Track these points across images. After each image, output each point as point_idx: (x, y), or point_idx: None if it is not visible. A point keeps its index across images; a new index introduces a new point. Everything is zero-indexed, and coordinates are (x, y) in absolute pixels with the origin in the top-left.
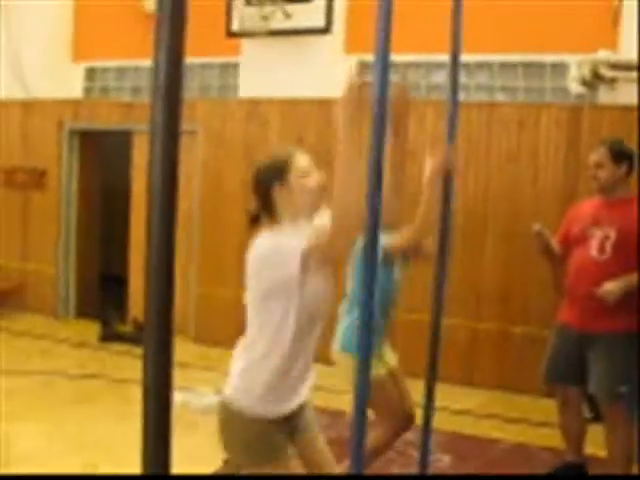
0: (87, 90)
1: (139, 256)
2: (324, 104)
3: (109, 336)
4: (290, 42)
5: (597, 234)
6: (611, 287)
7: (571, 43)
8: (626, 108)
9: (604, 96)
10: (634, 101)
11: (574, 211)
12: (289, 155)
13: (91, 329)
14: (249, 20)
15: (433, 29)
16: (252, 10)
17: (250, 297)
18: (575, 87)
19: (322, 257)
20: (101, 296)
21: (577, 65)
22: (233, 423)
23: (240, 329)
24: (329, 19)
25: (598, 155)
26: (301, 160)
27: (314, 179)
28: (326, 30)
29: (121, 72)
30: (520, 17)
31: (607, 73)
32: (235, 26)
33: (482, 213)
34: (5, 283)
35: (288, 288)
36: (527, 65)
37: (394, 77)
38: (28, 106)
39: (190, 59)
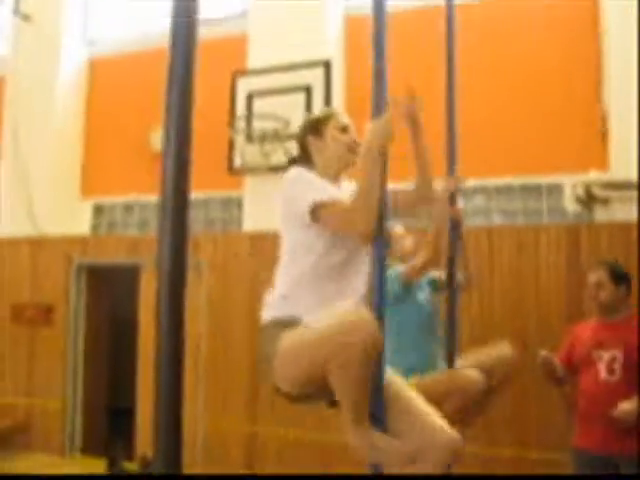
0: (95, 226)
1: (147, 389)
2: None
3: (115, 476)
4: None
5: (604, 356)
6: (628, 407)
7: (564, 164)
8: (623, 226)
9: (600, 215)
10: (630, 219)
11: (575, 332)
12: (330, 111)
13: (97, 467)
14: (250, 157)
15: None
16: (253, 147)
17: (280, 221)
18: (571, 207)
19: (328, 220)
20: (108, 430)
21: (571, 186)
22: (286, 335)
23: (248, 462)
24: None
25: (597, 276)
26: (342, 117)
27: (349, 136)
28: None
29: (128, 208)
30: (513, 141)
31: (600, 193)
32: (237, 163)
33: (487, 336)
34: (10, 420)
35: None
36: (523, 187)
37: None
38: (37, 243)
39: (194, 194)
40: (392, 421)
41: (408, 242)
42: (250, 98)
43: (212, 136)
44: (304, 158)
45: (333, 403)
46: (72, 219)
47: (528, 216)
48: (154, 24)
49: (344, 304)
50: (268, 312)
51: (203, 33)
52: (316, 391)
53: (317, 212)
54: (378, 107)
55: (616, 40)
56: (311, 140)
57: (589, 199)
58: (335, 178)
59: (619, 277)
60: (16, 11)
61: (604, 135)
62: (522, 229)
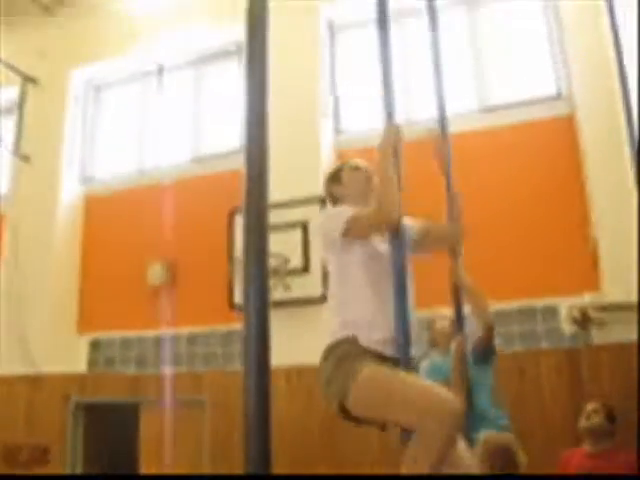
0: (92, 362)
1: None
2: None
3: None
4: (288, 312)
5: None
6: None
7: (559, 287)
8: (621, 347)
9: (598, 336)
10: (627, 339)
11: (564, 461)
12: (342, 162)
13: None
14: None
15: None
16: None
17: (323, 253)
18: (569, 329)
19: (361, 226)
20: None
21: (567, 308)
22: (353, 355)
23: None
24: (326, 288)
25: (593, 405)
26: (352, 161)
27: (362, 172)
28: (323, 299)
29: (126, 344)
30: (508, 266)
31: (596, 315)
32: (237, 298)
33: None
34: None
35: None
36: (520, 311)
37: None
38: (33, 381)
39: (195, 329)
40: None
41: (447, 323)
42: None
43: (213, 271)
44: (335, 191)
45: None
46: (69, 355)
47: (525, 340)
48: (149, 161)
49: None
50: (332, 328)
51: (201, 169)
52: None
53: (348, 226)
54: (389, 115)
55: (598, 167)
56: (334, 188)
57: (585, 321)
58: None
59: (612, 415)
60: (15, 152)
61: (595, 259)
62: (521, 354)
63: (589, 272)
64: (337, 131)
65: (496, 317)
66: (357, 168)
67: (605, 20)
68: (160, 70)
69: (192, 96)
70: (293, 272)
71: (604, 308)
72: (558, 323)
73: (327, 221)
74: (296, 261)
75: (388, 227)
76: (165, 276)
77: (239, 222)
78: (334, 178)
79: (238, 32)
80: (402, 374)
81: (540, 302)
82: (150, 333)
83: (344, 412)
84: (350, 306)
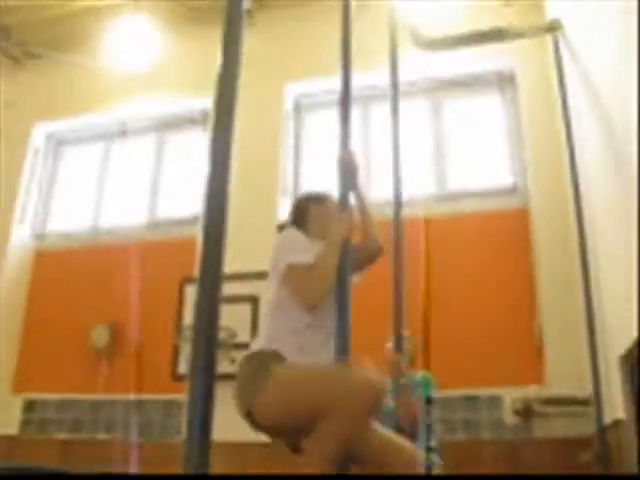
0: (24, 423)
1: None
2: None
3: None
4: (232, 386)
5: None
6: None
7: (504, 378)
8: (563, 441)
9: (540, 429)
10: (569, 434)
11: None
12: (330, 195)
13: None
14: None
15: None
16: None
17: (269, 270)
18: (511, 420)
19: (293, 281)
20: None
21: (510, 401)
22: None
23: None
24: None
25: None
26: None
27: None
28: None
29: (61, 406)
30: (454, 353)
31: (539, 408)
32: (182, 369)
33: None
34: None
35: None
36: (466, 399)
37: None
38: None
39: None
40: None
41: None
42: None
43: (159, 339)
44: (299, 221)
45: (297, 450)
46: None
47: (468, 428)
48: (104, 222)
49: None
50: (257, 344)
51: (156, 234)
52: (289, 430)
53: (289, 271)
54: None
55: (547, 261)
56: (313, 206)
57: (528, 413)
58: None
59: None
60: None
61: (540, 350)
62: (464, 443)
63: (534, 364)
64: None
65: (441, 404)
66: (323, 210)
67: (559, 120)
68: (123, 131)
69: (153, 160)
70: (239, 346)
71: (547, 401)
72: (501, 413)
73: (282, 248)
74: (244, 335)
75: (306, 303)
76: (109, 339)
77: (190, 292)
78: (318, 199)
79: (204, 101)
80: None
81: (484, 392)
82: (88, 396)
83: (253, 417)
84: (281, 337)
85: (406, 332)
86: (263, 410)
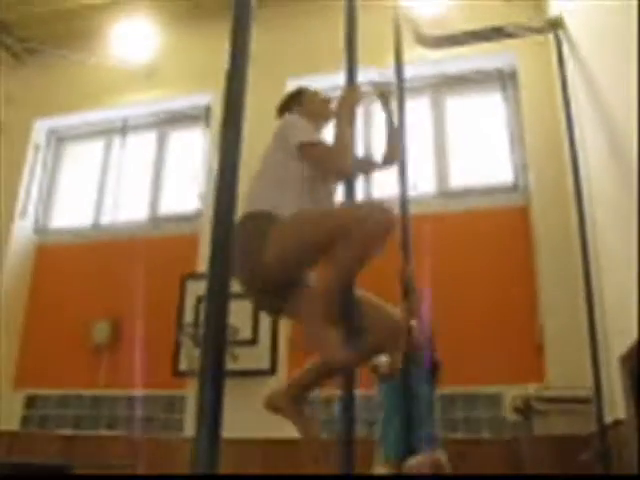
0: (25, 418)
1: None
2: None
3: None
4: (235, 383)
5: None
6: None
7: (504, 376)
8: (562, 438)
9: (539, 426)
10: (567, 432)
11: None
12: (305, 87)
13: None
14: (197, 360)
15: None
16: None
17: (269, 151)
18: (511, 418)
19: (317, 154)
20: None
21: (511, 399)
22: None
23: None
24: (274, 360)
25: None
26: (312, 89)
27: (323, 98)
28: (272, 371)
29: (63, 401)
30: (454, 351)
31: (538, 406)
32: (183, 366)
33: None
34: None
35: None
36: (465, 397)
37: None
38: None
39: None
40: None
41: None
42: (199, 301)
43: (160, 335)
44: (295, 106)
45: (278, 310)
46: (0, 410)
47: (468, 425)
48: (105, 218)
49: None
50: (252, 205)
51: (157, 230)
52: (285, 280)
53: (305, 149)
54: (350, 76)
55: (548, 258)
56: (294, 108)
57: (528, 411)
58: (317, 131)
59: None
60: None
61: (540, 347)
62: (464, 441)
63: (535, 362)
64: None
65: (441, 402)
66: (317, 93)
67: (561, 117)
68: (125, 127)
69: (154, 156)
70: (242, 343)
71: (547, 400)
72: (501, 411)
73: (288, 126)
74: (245, 332)
75: (339, 173)
76: (110, 335)
77: (191, 288)
78: (295, 98)
79: (206, 97)
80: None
81: (485, 390)
82: (89, 392)
83: (254, 277)
84: (277, 193)
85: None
86: (273, 256)
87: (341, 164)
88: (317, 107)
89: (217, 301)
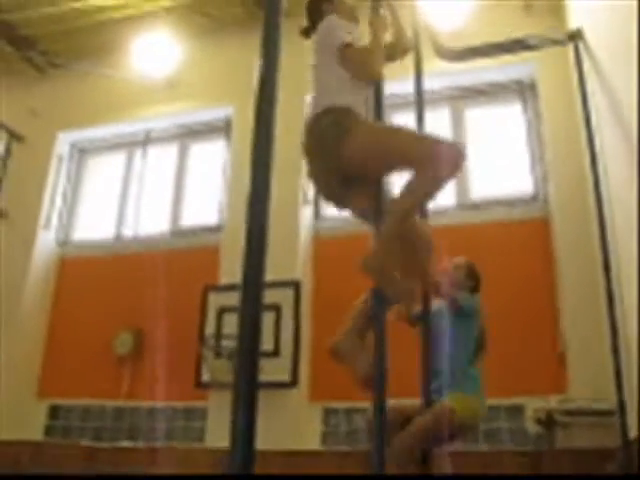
0: (49, 428)
1: None
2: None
3: None
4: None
5: None
6: None
7: (526, 387)
8: (585, 452)
9: (562, 439)
10: (590, 445)
11: None
12: None
13: None
14: (218, 373)
15: None
16: (221, 363)
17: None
18: (533, 430)
19: (356, 54)
20: None
21: (533, 410)
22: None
23: None
24: (295, 373)
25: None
26: None
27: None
28: (293, 384)
29: (86, 412)
30: None
31: (561, 418)
32: (205, 377)
33: None
34: None
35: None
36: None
37: None
38: None
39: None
40: None
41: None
42: (221, 312)
43: (182, 346)
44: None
45: (341, 201)
46: (25, 421)
47: (489, 437)
48: (127, 229)
49: None
50: (328, 101)
51: (179, 242)
52: (355, 175)
53: (345, 51)
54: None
55: (569, 269)
56: (324, 5)
57: (550, 423)
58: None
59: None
60: None
61: (563, 358)
62: (485, 454)
63: (557, 373)
64: (317, 217)
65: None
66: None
67: (581, 128)
68: (146, 140)
69: (176, 169)
70: (263, 355)
71: (569, 412)
72: (523, 423)
73: (330, 27)
74: (267, 344)
75: (373, 75)
76: (132, 346)
77: (213, 300)
78: None
79: (226, 110)
80: None
81: (506, 401)
82: (111, 403)
83: (336, 160)
84: (346, 94)
85: None
86: (351, 151)
87: (376, 67)
88: (347, 9)
89: (251, 311)
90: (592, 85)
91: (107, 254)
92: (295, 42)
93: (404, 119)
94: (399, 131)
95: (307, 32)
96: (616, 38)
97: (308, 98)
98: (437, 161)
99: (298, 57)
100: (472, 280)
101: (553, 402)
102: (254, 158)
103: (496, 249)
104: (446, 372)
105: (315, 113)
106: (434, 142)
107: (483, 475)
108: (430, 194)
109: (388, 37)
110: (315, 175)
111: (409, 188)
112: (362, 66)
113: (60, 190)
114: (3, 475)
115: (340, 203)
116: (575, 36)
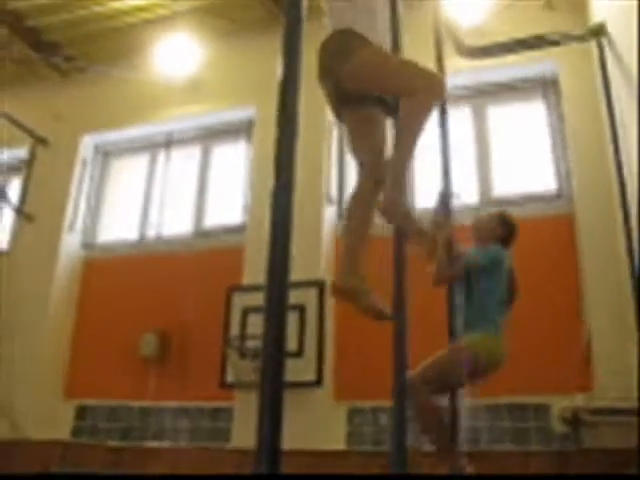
0: (76, 429)
1: None
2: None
3: None
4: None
5: None
6: None
7: (552, 386)
8: (612, 451)
9: (588, 437)
10: (617, 445)
11: None
12: None
13: None
14: (243, 372)
15: None
16: (245, 363)
17: None
18: (560, 429)
19: None
20: None
21: (559, 410)
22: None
23: None
24: (320, 372)
25: None
26: None
27: None
28: (317, 383)
29: (112, 412)
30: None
31: (588, 418)
32: (229, 378)
33: None
34: None
35: None
36: (511, 408)
37: None
38: (12, 446)
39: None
40: None
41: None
42: (245, 313)
43: (207, 347)
44: None
45: (338, 114)
46: (53, 421)
47: (515, 436)
48: (151, 231)
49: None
50: (338, 22)
51: (203, 243)
52: (352, 92)
53: None
54: None
55: (594, 267)
56: None
57: (577, 422)
58: None
59: None
60: (20, 211)
61: (588, 357)
62: (510, 454)
63: (582, 371)
64: (340, 217)
65: (487, 413)
66: None
67: (606, 124)
68: (169, 142)
69: (198, 170)
70: (287, 355)
71: (596, 411)
72: (549, 422)
73: None
74: (291, 344)
75: None
76: (157, 347)
77: (237, 300)
78: None
79: (248, 111)
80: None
81: (532, 400)
82: (137, 403)
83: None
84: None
85: None
86: (351, 70)
87: None
88: None
89: (276, 313)
90: (616, 81)
91: (131, 256)
92: (314, 43)
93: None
94: (394, 60)
95: None
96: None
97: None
98: (427, 91)
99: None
100: (505, 228)
101: (579, 401)
102: (277, 158)
103: (520, 247)
104: (470, 318)
105: (326, 35)
106: (423, 72)
107: (485, 475)
108: (422, 122)
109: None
110: (325, 92)
111: (407, 119)
112: None
113: (84, 193)
114: (33, 474)
115: (339, 118)
116: (598, 32)
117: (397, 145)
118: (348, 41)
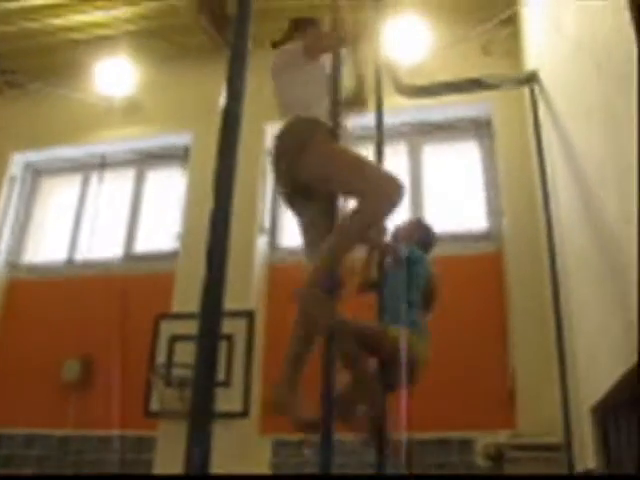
0: None
1: None
2: None
3: None
4: None
5: None
6: None
7: (476, 422)
8: None
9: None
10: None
11: None
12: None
13: None
14: (168, 401)
15: None
16: (171, 392)
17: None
18: (483, 464)
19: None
20: None
21: (482, 445)
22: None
23: None
24: (247, 403)
25: None
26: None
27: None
28: (244, 414)
29: (29, 441)
30: (426, 396)
31: (510, 453)
32: (154, 406)
33: None
34: None
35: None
36: (438, 443)
37: None
38: None
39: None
40: None
41: None
42: (173, 341)
43: (132, 374)
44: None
45: (300, 213)
46: None
47: (441, 471)
48: (80, 253)
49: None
50: (294, 112)
51: (132, 268)
52: (309, 185)
53: (307, 46)
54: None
55: (520, 305)
56: (309, 29)
57: (499, 458)
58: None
59: None
60: None
61: (512, 394)
62: None
63: (506, 409)
64: (272, 247)
65: (414, 447)
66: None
67: (535, 167)
68: (102, 164)
69: (131, 194)
70: (215, 385)
71: (519, 447)
72: (473, 457)
73: (287, 50)
74: (219, 374)
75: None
76: (80, 374)
77: (165, 327)
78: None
79: (184, 137)
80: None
81: (456, 435)
82: (57, 432)
83: (293, 176)
84: (307, 100)
85: None
86: (307, 164)
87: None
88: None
89: (208, 341)
90: (546, 125)
91: (58, 278)
92: (256, 73)
93: (363, 152)
94: (355, 161)
95: (277, 45)
96: (569, 83)
97: (267, 127)
98: (377, 197)
99: (257, 88)
100: (421, 232)
101: (503, 437)
102: (216, 186)
103: (448, 284)
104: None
105: (287, 121)
106: (378, 177)
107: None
108: (366, 226)
109: (350, 82)
110: (277, 175)
111: (348, 222)
112: (323, 41)
113: (12, 211)
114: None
115: (292, 208)
116: (531, 78)
117: (332, 240)
118: (311, 131)
